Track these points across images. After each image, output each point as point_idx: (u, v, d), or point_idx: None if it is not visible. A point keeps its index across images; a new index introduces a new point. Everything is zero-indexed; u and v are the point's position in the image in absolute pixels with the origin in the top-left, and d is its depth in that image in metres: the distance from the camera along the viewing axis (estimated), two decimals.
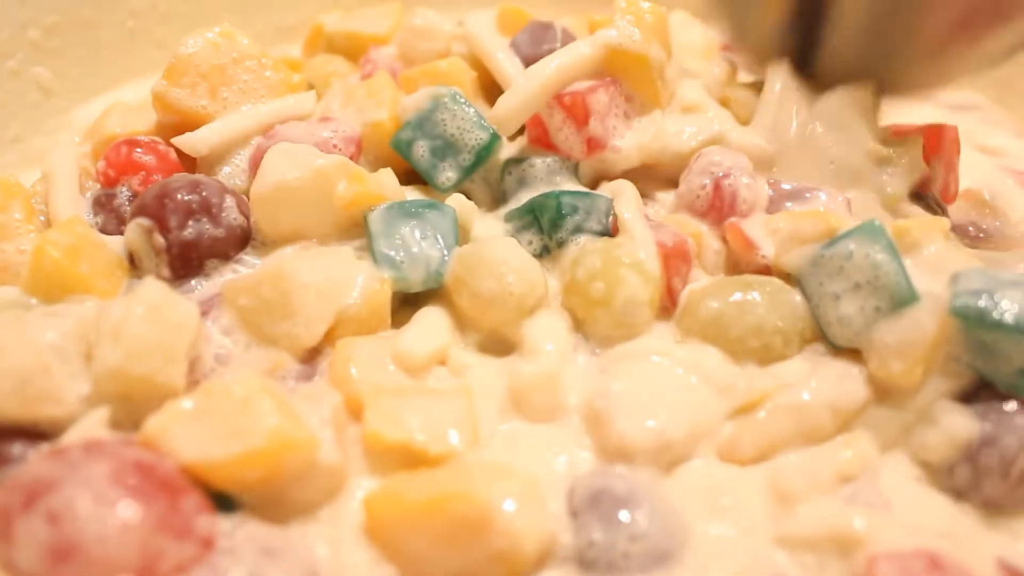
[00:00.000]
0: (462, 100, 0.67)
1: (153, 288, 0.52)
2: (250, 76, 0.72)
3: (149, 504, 0.43)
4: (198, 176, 0.64)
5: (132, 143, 0.69)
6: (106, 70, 0.92)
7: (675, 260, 0.61)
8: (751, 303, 0.58)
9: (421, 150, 0.68)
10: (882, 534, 0.46)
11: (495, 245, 0.60)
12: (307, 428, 0.48)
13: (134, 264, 0.62)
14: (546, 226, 0.64)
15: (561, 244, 0.63)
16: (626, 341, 0.58)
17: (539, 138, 0.69)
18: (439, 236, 0.61)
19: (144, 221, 0.60)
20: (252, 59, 0.72)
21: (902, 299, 0.53)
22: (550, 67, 0.67)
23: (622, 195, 0.64)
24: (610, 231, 0.63)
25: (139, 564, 0.42)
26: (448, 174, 0.68)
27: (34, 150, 0.87)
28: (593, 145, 0.68)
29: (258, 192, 0.61)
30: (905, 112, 0.74)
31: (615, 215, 0.63)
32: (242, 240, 0.63)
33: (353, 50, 0.85)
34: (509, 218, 0.66)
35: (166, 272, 0.60)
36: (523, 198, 0.67)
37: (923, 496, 0.52)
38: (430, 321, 0.60)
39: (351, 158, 0.67)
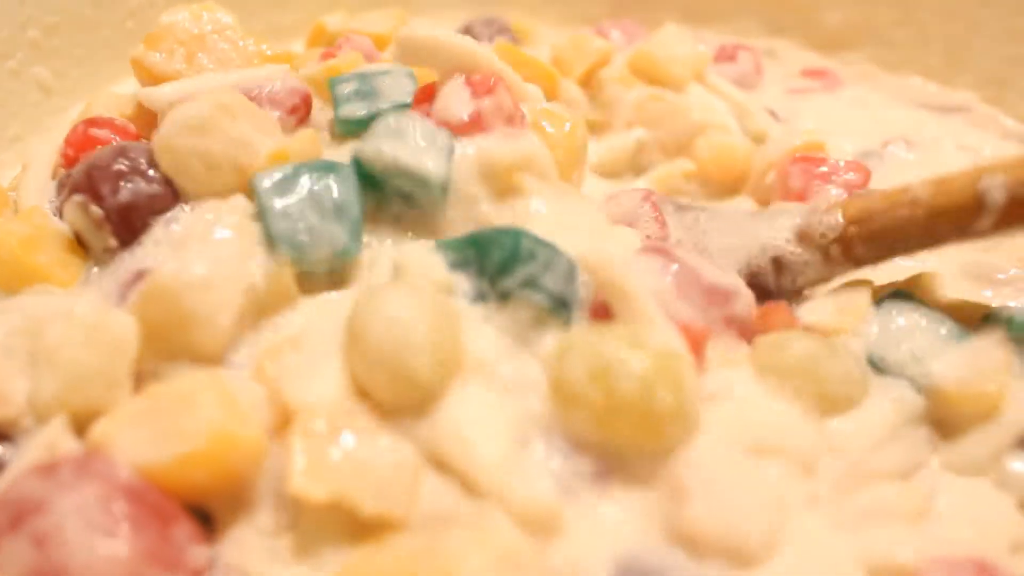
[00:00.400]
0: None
1: (87, 306, 0.50)
2: (228, 45, 0.71)
3: (140, 533, 0.41)
4: (123, 142, 0.62)
5: (90, 122, 0.68)
6: (106, 69, 0.92)
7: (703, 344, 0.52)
8: (836, 348, 0.54)
9: (346, 89, 0.65)
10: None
11: (395, 300, 0.48)
12: (255, 425, 0.45)
13: (83, 245, 0.60)
14: (491, 268, 0.52)
15: (504, 296, 0.52)
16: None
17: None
18: (343, 207, 0.55)
19: (78, 197, 0.58)
20: (232, 30, 0.72)
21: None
22: None
23: (618, 268, 0.52)
24: (567, 301, 0.52)
25: None
26: (355, 106, 0.63)
27: (33, 149, 0.86)
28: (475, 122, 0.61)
29: (157, 142, 0.58)
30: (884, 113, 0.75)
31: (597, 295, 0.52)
32: (177, 193, 0.60)
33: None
34: (443, 248, 0.55)
35: (112, 242, 0.58)
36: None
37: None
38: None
39: (295, 108, 0.65)
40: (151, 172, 0.58)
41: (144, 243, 0.57)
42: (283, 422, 0.47)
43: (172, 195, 0.59)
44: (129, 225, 0.58)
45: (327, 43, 0.87)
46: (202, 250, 0.52)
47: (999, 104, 0.88)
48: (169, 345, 0.50)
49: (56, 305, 0.55)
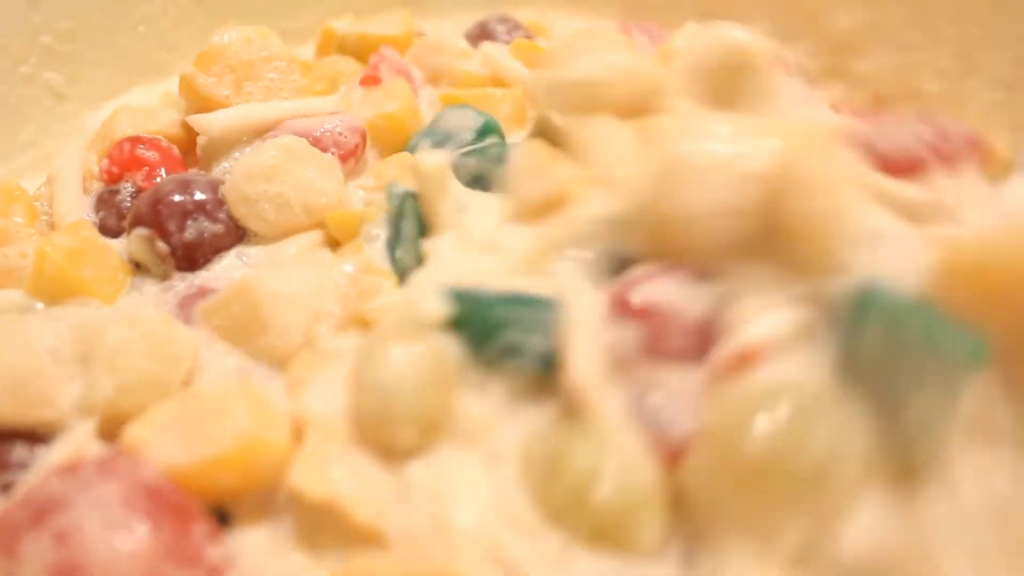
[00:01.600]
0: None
1: (154, 317, 0.52)
2: (276, 75, 0.73)
3: (159, 530, 0.42)
4: (188, 175, 0.65)
5: (135, 140, 0.71)
6: (118, 75, 0.92)
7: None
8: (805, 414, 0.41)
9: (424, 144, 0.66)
10: None
11: (389, 362, 0.47)
12: (282, 431, 0.47)
13: (139, 268, 0.63)
14: (470, 340, 0.49)
15: (491, 364, 0.48)
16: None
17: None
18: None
19: (143, 231, 0.61)
20: (281, 60, 0.74)
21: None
22: None
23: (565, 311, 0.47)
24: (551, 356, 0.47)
25: None
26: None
27: (46, 154, 0.87)
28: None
29: (229, 191, 0.61)
30: None
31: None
32: (241, 233, 0.63)
33: (364, 51, 0.85)
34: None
35: (174, 273, 0.61)
36: None
37: None
38: None
39: (355, 149, 0.67)
40: (217, 211, 0.62)
41: (211, 268, 0.61)
42: (300, 433, 0.48)
43: (236, 233, 0.63)
44: (192, 261, 0.61)
45: (337, 46, 0.87)
46: (288, 271, 0.57)
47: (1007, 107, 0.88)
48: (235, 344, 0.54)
49: (108, 315, 0.56)
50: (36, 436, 0.51)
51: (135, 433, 0.46)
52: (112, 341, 0.50)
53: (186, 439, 0.45)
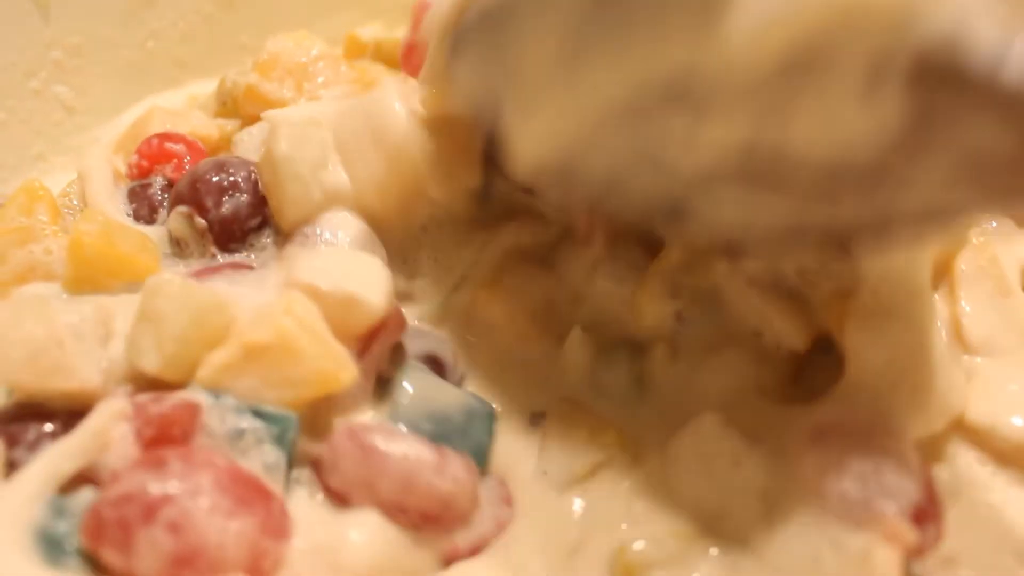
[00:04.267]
0: None
1: (184, 279, 0.53)
2: (329, 73, 0.78)
3: (253, 509, 0.46)
4: (221, 157, 0.68)
5: (163, 136, 0.74)
6: (127, 89, 0.92)
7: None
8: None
9: None
10: None
11: None
12: (352, 364, 0.51)
13: (180, 247, 0.65)
14: None
15: None
16: None
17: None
18: None
19: (183, 208, 0.64)
20: (326, 59, 0.79)
21: None
22: None
23: None
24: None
25: (250, 564, 0.45)
26: None
27: (57, 167, 0.87)
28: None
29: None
30: None
31: None
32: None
33: (395, 58, 0.85)
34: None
35: (213, 249, 0.64)
36: None
37: None
38: None
39: None
40: (252, 187, 0.65)
41: (244, 248, 0.64)
42: None
43: (265, 211, 0.65)
44: (230, 235, 0.64)
45: (370, 52, 0.88)
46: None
47: None
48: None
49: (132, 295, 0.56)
50: (53, 412, 0.51)
51: (209, 376, 0.50)
52: (152, 304, 0.51)
53: (266, 382, 0.49)
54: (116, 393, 0.51)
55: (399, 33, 0.88)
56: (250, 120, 0.77)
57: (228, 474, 0.47)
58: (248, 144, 0.73)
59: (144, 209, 0.69)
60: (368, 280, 0.54)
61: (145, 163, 0.72)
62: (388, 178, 0.61)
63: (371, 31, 0.92)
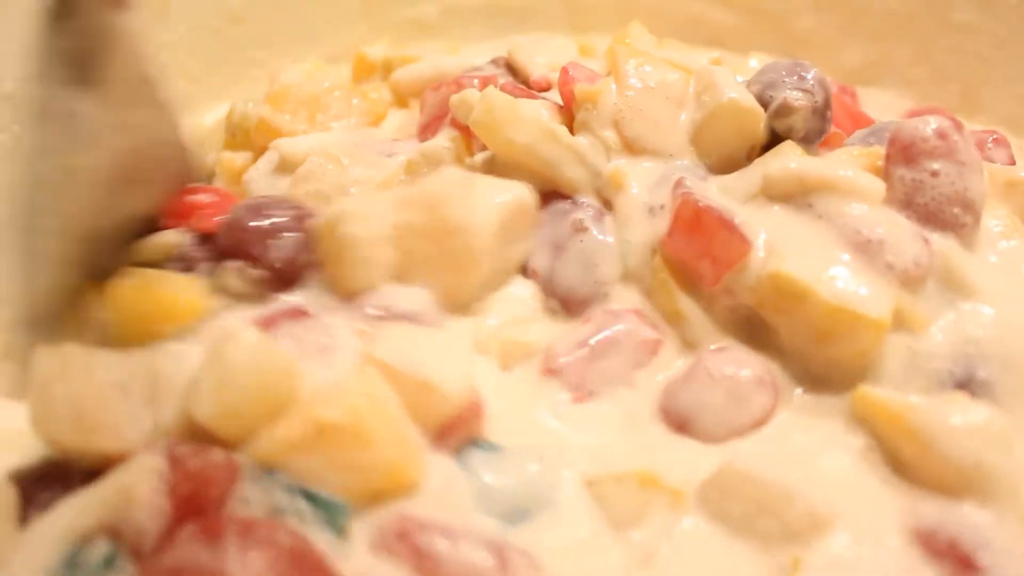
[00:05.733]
0: None
1: (247, 332, 0.51)
2: (341, 105, 0.79)
3: None
4: (256, 199, 0.66)
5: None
6: None
7: None
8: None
9: None
10: None
11: None
12: (422, 459, 0.49)
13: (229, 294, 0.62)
14: None
15: None
16: None
17: None
18: None
19: (233, 263, 0.61)
20: (340, 89, 0.80)
21: None
22: None
23: None
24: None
25: None
26: None
27: None
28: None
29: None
30: None
31: None
32: None
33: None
34: None
35: (272, 296, 0.61)
36: None
37: None
38: None
39: None
40: (300, 223, 0.62)
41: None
42: None
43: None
44: (287, 280, 0.61)
45: (379, 71, 0.89)
46: None
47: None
48: None
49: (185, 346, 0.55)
50: (79, 475, 0.50)
51: (270, 449, 0.47)
52: (223, 349, 0.48)
53: (331, 466, 0.48)
54: (153, 449, 0.48)
55: (406, 50, 0.89)
56: (261, 152, 0.77)
57: (286, 553, 0.44)
58: (260, 182, 0.73)
59: (178, 268, 0.64)
60: (448, 365, 0.52)
61: (170, 222, 0.67)
62: None
63: (379, 50, 0.92)
